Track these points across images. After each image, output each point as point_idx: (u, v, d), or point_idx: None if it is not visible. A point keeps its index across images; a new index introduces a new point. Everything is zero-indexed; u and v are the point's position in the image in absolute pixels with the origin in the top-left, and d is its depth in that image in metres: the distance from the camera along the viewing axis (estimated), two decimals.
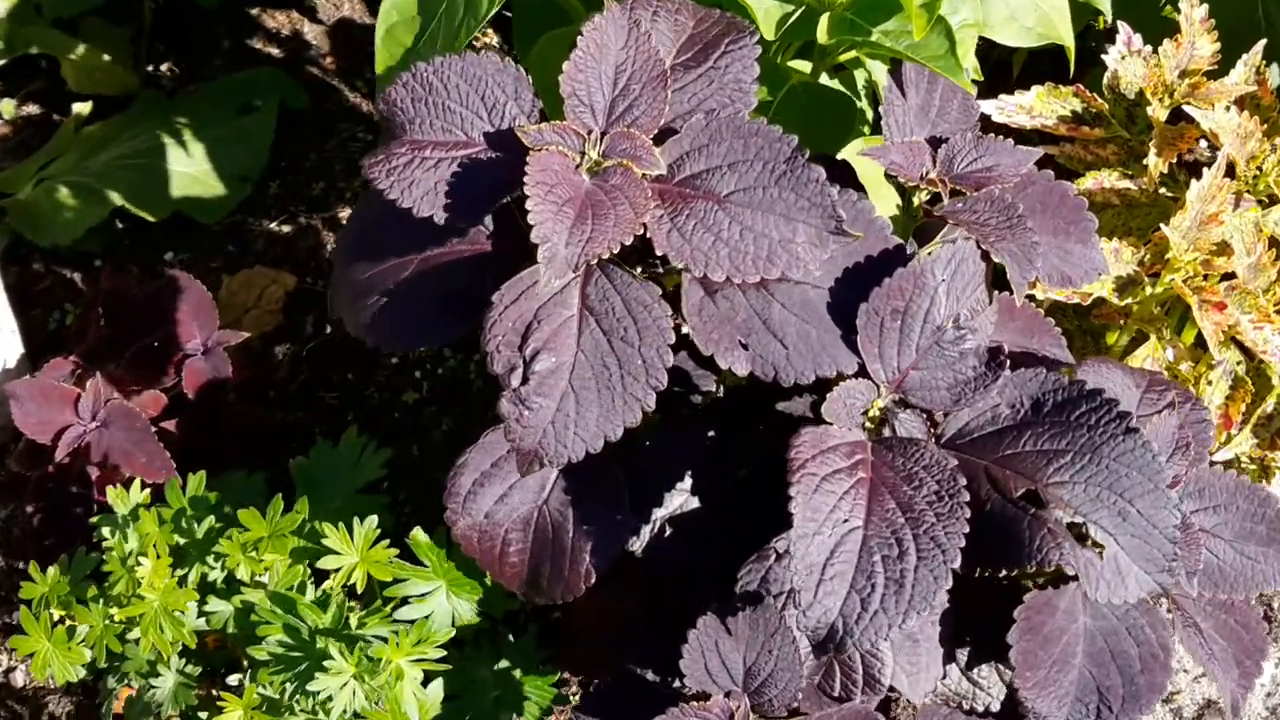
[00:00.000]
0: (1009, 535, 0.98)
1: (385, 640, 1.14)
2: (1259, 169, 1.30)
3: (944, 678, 1.13)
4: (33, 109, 1.97)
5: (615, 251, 0.97)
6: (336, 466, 1.33)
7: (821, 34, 1.13)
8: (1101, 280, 1.22)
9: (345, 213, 1.85)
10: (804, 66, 1.36)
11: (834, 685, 1.07)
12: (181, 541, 1.21)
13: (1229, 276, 1.27)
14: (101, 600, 1.21)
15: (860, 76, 1.46)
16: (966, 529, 0.96)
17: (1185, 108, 1.31)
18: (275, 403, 1.67)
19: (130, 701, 1.28)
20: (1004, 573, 0.98)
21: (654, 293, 1.02)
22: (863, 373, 1.04)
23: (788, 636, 1.04)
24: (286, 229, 1.84)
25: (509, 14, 1.47)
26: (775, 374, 1.04)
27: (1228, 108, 1.28)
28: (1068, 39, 1.35)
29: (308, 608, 1.14)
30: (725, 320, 1.04)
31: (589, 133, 1.03)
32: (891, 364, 1.03)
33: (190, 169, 1.85)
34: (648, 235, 1.00)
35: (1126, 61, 1.40)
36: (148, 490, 1.28)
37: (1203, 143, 1.38)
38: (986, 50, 1.39)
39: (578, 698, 1.41)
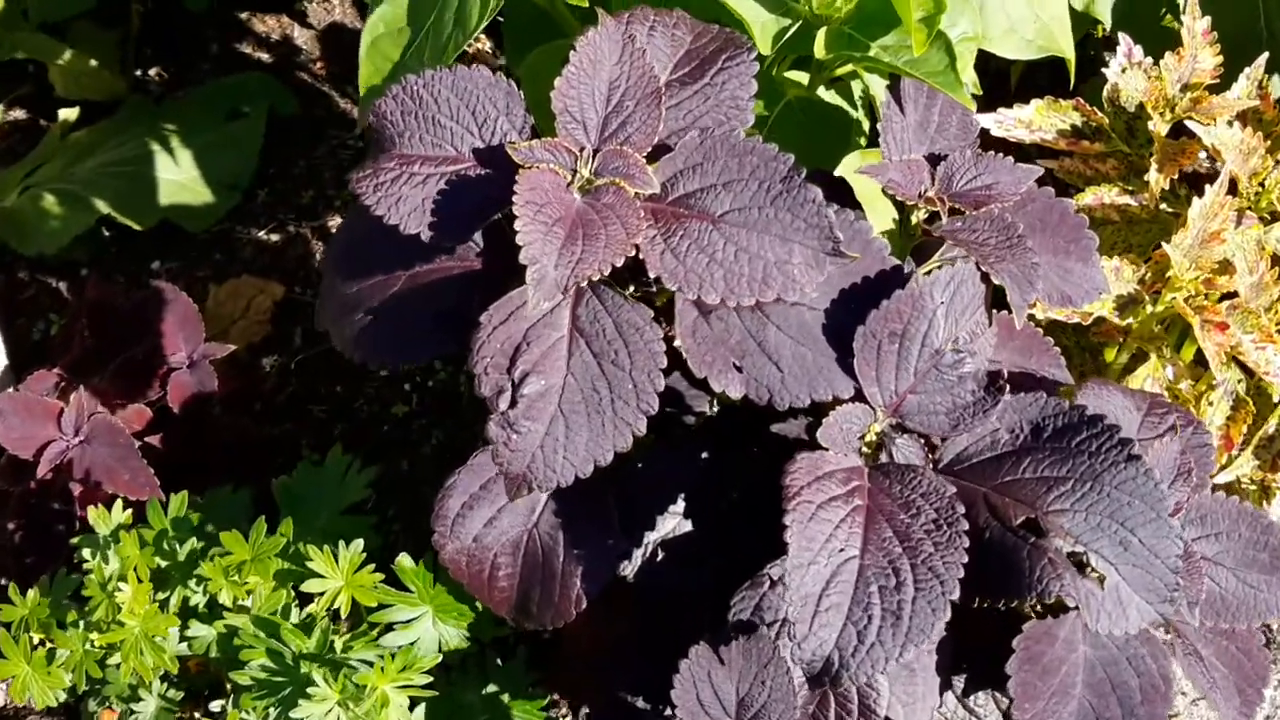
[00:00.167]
0: (1008, 565, 0.96)
1: (371, 666, 1.12)
2: (1261, 185, 1.28)
3: (940, 705, 1.11)
4: (19, 114, 1.94)
5: (606, 273, 0.95)
6: (322, 485, 1.31)
7: (819, 49, 1.11)
8: (1102, 299, 1.20)
9: (335, 221, 1.82)
10: (800, 77, 1.34)
11: (828, 716, 1.05)
12: (163, 564, 1.19)
13: (1229, 295, 1.25)
14: (82, 624, 1.19)
15: (857, 87, 1.44)
16: (965, 559, 0.94)
17: (1187, 123, 1.29)
18: (262, 415, 1.64)
19: None
20: (1003, 604, 0.96)
21: (646, 315, 1.00)
22: (859, 397, 1.02)
23: (781, 667, 1.01)
24: (275, 238, 1.81)
25: (501, 19, 1.45)
26: (770, 397, 1.01)
27: (1230, 123, 1.26)
28: (1068, 51, 1.32)
29: (291, 632, 1.12)
30: (719, 342, 1.02)
31: (581, 150, 1.00)
32: (889, 388, 1.01)
33: (178, 176, 1.83)
34: (640, 256, 0.98)
35: (1127, 74, 1.38)
36: (130, 511, 1.25)
37: (1201, 154, 1.36)
38: (983, 60, 1.37)
39: None
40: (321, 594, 1.16)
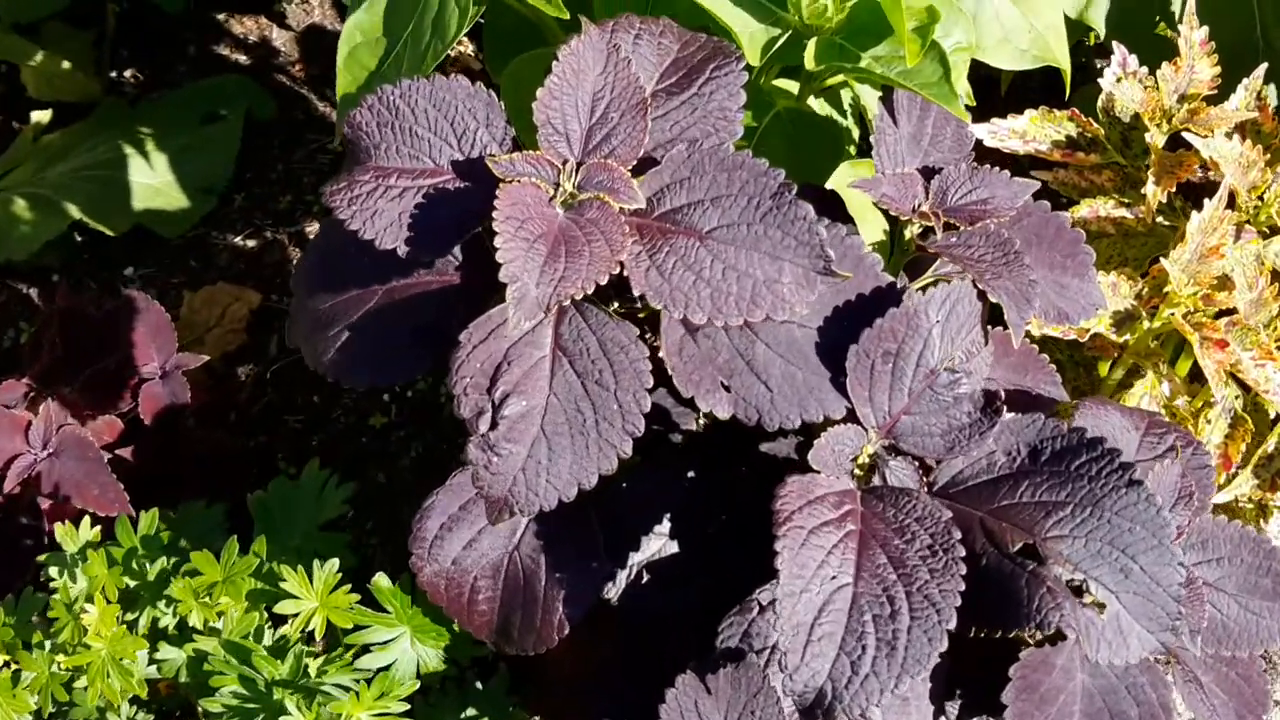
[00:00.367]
0: (1006, 593, 0.93)
1: (346, 691, 1.08)
2: (1260, 199, 1.26)
3: None
4: None
5: (589, 292, 0.91)
6: (297, 502, 1.27)
7: (809, 60, 1.08)
8: (1099, 315, 1.17)
9: (313, 227, 1.79)
10: (788, 86, 1.30)
11: None
12: (132, 584, 1.15)
13: (1227, 312, 1.22)
14: (48, 645, 1.15)
15: (846, 95, 1.41)
16: (962, 587, 0.91)
17: (1185, 135, 1.26)
18: (237, 426, 1.60)
19: None
20: (1000, 633, 0.93)
21: (631, 333, 0.96)
22: (851, 417, 0.99)
23: (771, 697, 0.98)
24: (252, 244, 1.78)
25: (483, 21, 1.42)
26: (759, 418, 0.98)
27: (1230, 135, 1.24)
28: (1064, 61, 1.30)
29: (264, 659, 1.08)
30: (707, 361, 0.98)
31: (564, 163, 0.97)
32: (882, 409, 0.98)
33: (152, 180, 1.79)
34: (624, 273, 0.95)
35: (1122, 84, 1.35)
36: (98, 528, 1.22)
37: (1197, 166, 1.33)
38: (973, 68, 1.34)
39: None
40: (296, 615, 1.12)
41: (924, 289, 1.06)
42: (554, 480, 0.97)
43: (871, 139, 1.08)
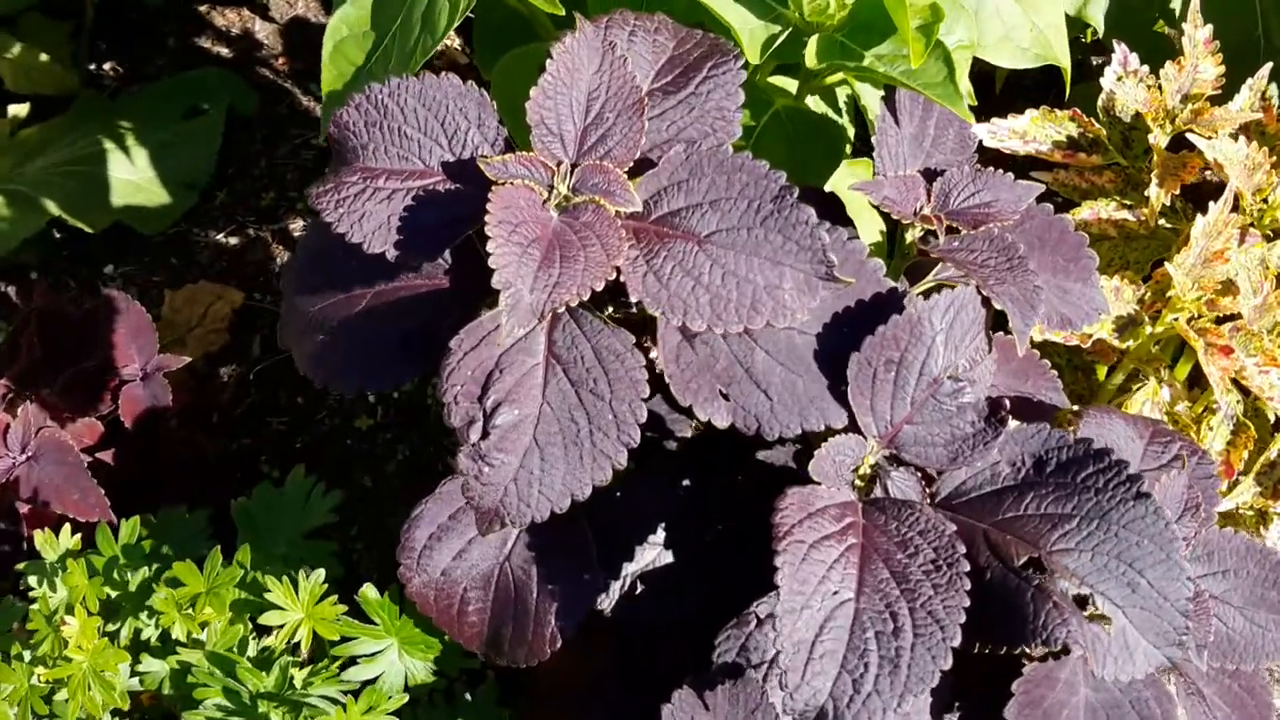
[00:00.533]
0: (1011, 608, 0.91)
1: (333, 704, 1.06)
2: (1264, 202, 1.24)
3: None
4: None
5: (585, 298, 0.89)
6: (282, 509, 1.24)
7: (810, 58, 1.05)
8: (1101, 320, 1.15)
9: (297, 224, 1.75)
10: (785, 84, 1.28)
11: None
12: (113, 594, 1.12)
13: (1230, 317, 1.20)
14: (27, 656, 1.12)
15: (842, 93, 1.38)
16: (967, 603, 0.88)
17: (1189, 136, 1.24)
18: (219, 428, 1.57)
19: None
20: (1005, 649, 0.91)
21: (627, 341, 0.94)
22: (851, 426, 0.96)
23: (770, 713, 0.96)
24: (234, 241, 1.74)
25: (472, 15, 1.38)
26: (759, 427, 0.96)
27: (1235, 136, 1.21)
28: (1064, 60, 1.27)
29: (248, 671, 1.05)
30: (705, 368, 0.96)
31: (558, 165, 0.94)
32: (884, 418, 0.96)
33: (133, 176, 1.75)
34: (620, 278, 0.92)
35: (1123, 83, 1.33)
36: (78, 535, 1.19)
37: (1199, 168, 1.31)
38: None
39: None
40: (281, 626, 1.10)
41: (925, 294, 1.04)
42: (546, 491, 0.94)
43: (874, 139, 1.05)
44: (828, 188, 1.10)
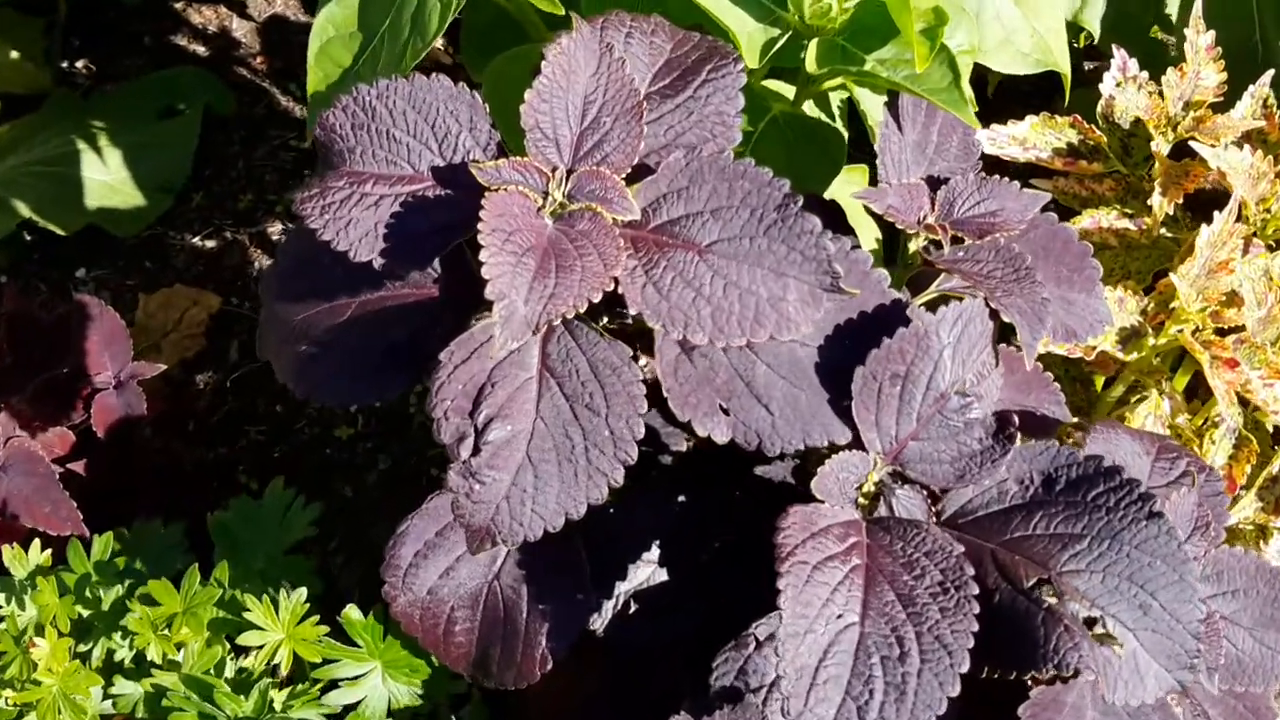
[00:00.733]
0: (1020, 632, 0.88)
1: None
2: (1268, 211, 1.21)
3: None
4: None
5: (582, 310, 0.85)
6: (260, 523, 1.20)
7: (810, 62, 1.02)
8: (1104, 332, 1.12)
9: (275, 227, 1.71)
10: (780, 87, 1.25)
11: None
12: (85, 613, 1.08)
13: (1232, 330, 1.18)
14: None
15: (835, 98, 1.35)
16: (976, 627, 0.86)
17: (1192, 144, 1.21)
18: (195, 437, 1.53)
19: None
20: (1014, 675, 0.88)
21: (624, 354, 0.90)
22: (855, 443, 0.93)
23: None
24: (211, 244, 1.70)
25: (459, 16, 1.35)
26: (759, 443, 0.93)
27: (1240, 145, 1.19)
28: (1064, 65, 1.25)
29: (226, 695, 1.01)
30: (704, 382, 0.93)
31: (553, 171, 0.91)
32: (889, 434, 0.93)
33: (106, 177, 1.71)
34: (618, 289, 0.88)
35: (1122, 89, 1.31)
36: (49, 551, 1.14)
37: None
38: None
39: None
40: (260, 647, 1.06)
41: (927, 305, 1.01)
42: (540, 509, 0.91)
43: (876, 146, 1.02)
44: (829, 196, 1.07)
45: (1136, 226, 1.25)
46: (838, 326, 0.94)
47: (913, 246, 1.03)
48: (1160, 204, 1.20)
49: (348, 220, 0.91)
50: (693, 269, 0.88)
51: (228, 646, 1.07)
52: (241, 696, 1.03)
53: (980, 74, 1.64)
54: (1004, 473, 0.93)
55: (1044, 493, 0.92)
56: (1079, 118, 1.28)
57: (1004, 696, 0.99)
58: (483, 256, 0.84)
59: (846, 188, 1.26)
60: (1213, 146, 1.20)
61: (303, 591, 1.06)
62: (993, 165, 1.19)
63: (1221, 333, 1.18)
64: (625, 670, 1.06)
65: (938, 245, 1.01)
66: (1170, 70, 1.25)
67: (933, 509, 0.94)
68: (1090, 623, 0.90)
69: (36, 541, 1.16)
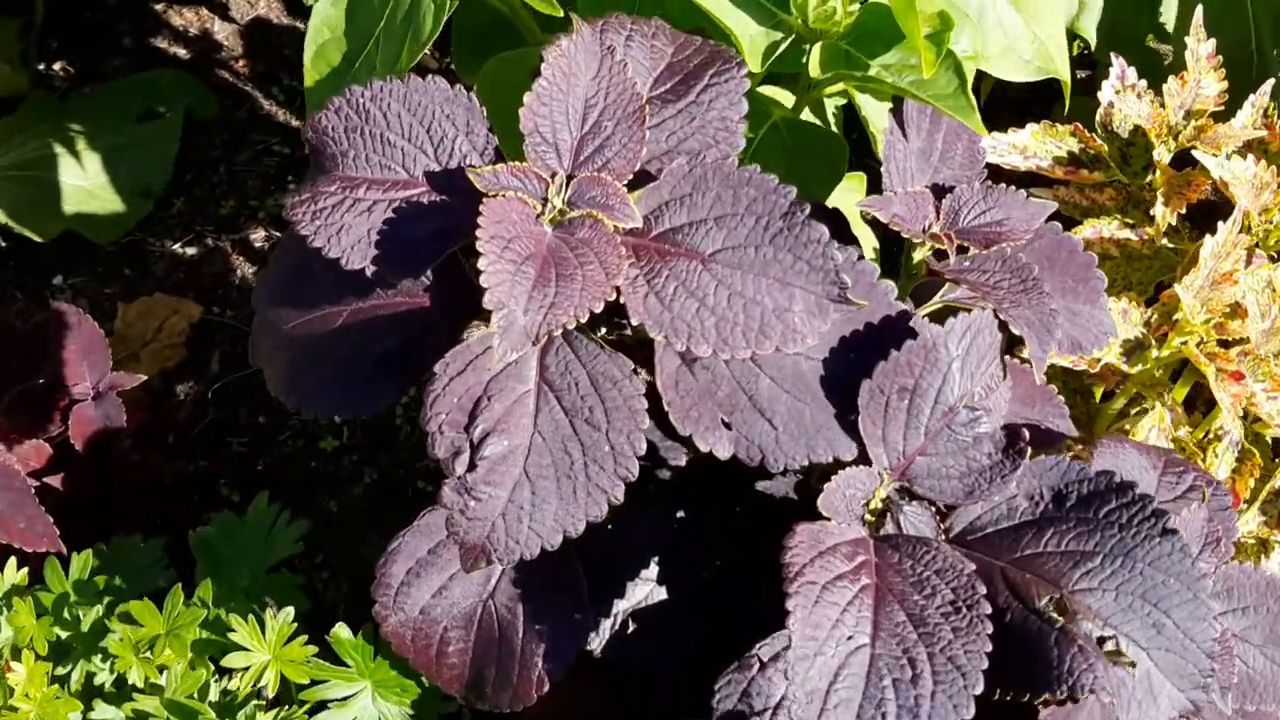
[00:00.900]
0: (1033, 652, 0.86)
1: None
2: (1270, 222, 1.20)
3: None
4: None
5: (583, 320, 0.83)
6: (244, 539, 1.17)
7: (813, 67, 1.00)
8: (1109, 344, 1.11)
9: (259, 234, 1.68)
10: (777, 94, 1.23)
11: None
12: (64, 635, 1.04)
13: (1235, 342, 1.16)
14: None
15: (830, 104, 1.33)
16: (989, 648, 0.83)
17: (1195, 154, 1.20)
18: (176, 450, 1.49)
19: None
20: (1027, 697, 0.86)
21: (625, 367, 0.88)
22: (861, 458, 0.91)
23: None
24: (191, 251, 1.66)
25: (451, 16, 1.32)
26: (763, 458, 0.90)
27: (1243, 155, 1.18)
28: (1064, 72, 1.23)
29: None
30: (706, 395, 0.90)
31: (553, 176, 0.88)
32: (896, 449, 0.90)
33: (84, 182, 1.67)
34: (619, 300, 0.86)
35: (1121, 97, 1.29)
36: (25, 569, 1.11)
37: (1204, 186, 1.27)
38: None
39: None
40: (246, 668, 1.02)
41: (931, 316, 0.99)
42: (537, 527, 0.88)
43: (881, 153, 1.00)
44: (832, 205, 1.05)
45: (1138, 237, 1.23)
46: (843, 338, 0.92)
47: (917, 256, 1.01)
48: (1163, 214, 1.19)
49: (340, 226, 0.88)
50: (696, 278, 0.86)
51: (212, 668, 1.04)
52: None
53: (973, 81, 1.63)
54: (1014, 488, 0.90)
55: (1055, 509, 0.90)
56: (1079, 126, 1.26)
57: (1011, 718, 0.97)
58: (481, 264, 0.81)
59: (842, 195, 1.24)
60: (1214, 156, 1.18)
61: (290, 611, 1.03)
62: (991, 174, 1.17)
63: (1224, 345, 1.17)
64: (623, 690, 1.03)
65: (943, 255, 0.99)
66: (1171, 79, 1.24)
67: (941, 526, 0.92)
68: (1100, 641, 0.89)
69: (12, 560, 1.12)
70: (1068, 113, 1.33)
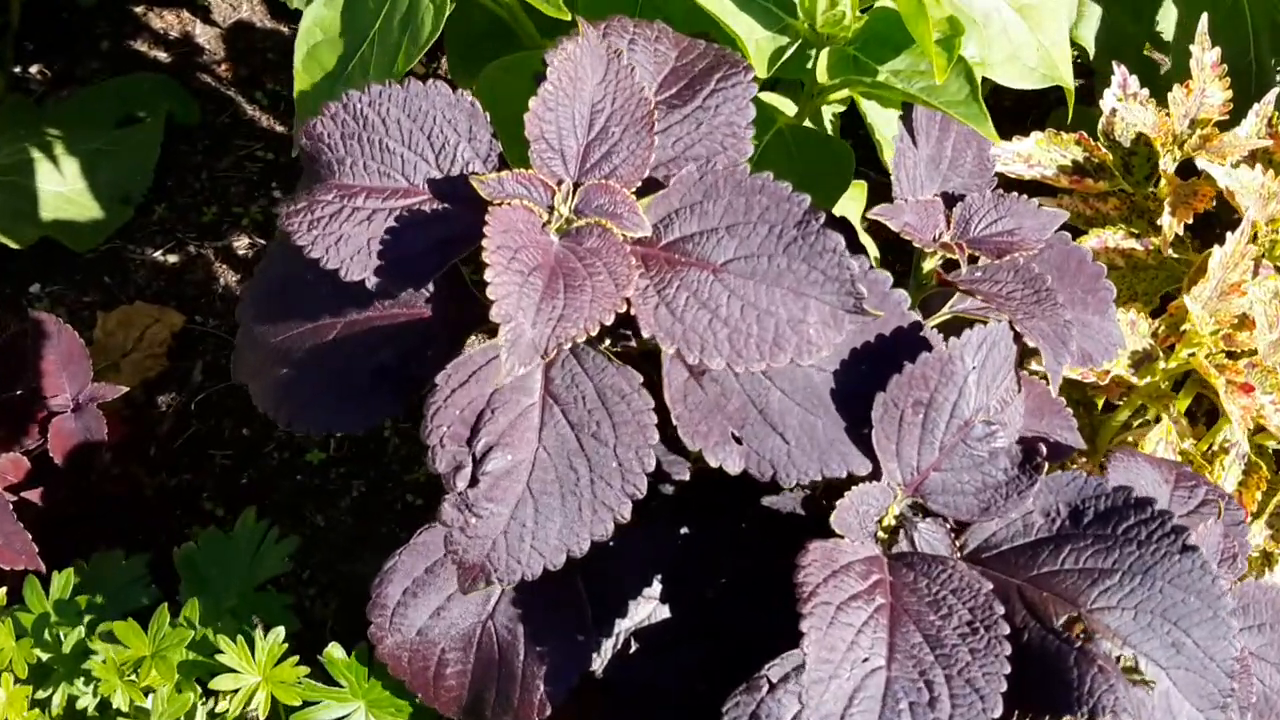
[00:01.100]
0: (1052, 673, 0.83)
1: None
2: (1277, 232, 1.18)
3: None
4: None
5: (593, 333, 0.80)
6: (231, 557, 1.13)
7: (820, 73, 0.97)
8: (1118, 356, 1.09)
9: (242, 241, 1.64)
10: (777, 101, 1.20)
11: None
12: (44, 656, 1.01)
13: (1244, 354, 1.15)
14: None
15: (829, 111, 1.31)
16: (1008, 669, 0.81)
17: (1201, 163, 1.18)
18: (158, 463, 1.46)
19: None
20: (1046, 719, 0.83)
21: (633, 380, 0.85)
22: (874, 473, 0.89)
23: None
24: (173, 259, 1.62)
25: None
26: (774, 473, 0.88)
27: (1251, 164, 1.16)
28: (1068, 80, 1.21)
29: None
30: (715, 408, 0.88)
31: (559, 184, 0.85)
32: (910, 464, 0.88)
33: (62, 188, 1.63)
34: (628, 311, 0.83)
35: (1123, 105, 1.28)
36: (3, 589, 1.07)
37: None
38: None
39: None
40: (235, 691, 0.99)
41: (939, 327, 0.97)
42: (540, 546, 0.85)
43: (890, 161, 0.98)
44: (840, 213, 1.03)
45: (1143, 247, 1.22)
46: (854, 350, 0.90)
47: (927, 266, 0.99)
48: (1170, 224, 1.17)
49: (338, 236, 0.85)
50: (708, 289, 0.83)
51: (199, 691, 1.00)
52: None
53: None
54: (1029, 504, 0.88)
55: (1071, 525, 0.88)
56: (1084, 135, 1.25)
57: None
58: (488, 276, 0.78)
59: (844, 203, 1.22)
60: (1220, 165, 1.17)
61: (280, 631, 1.00)
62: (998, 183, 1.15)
63: (1231, 356, 1.15)
64: (626, 710, 1.01)
65: (953, 264, 0.97)
66: (1177, 87, 1.22)
67: (955, 543, 0.89)
68: (1115, 660, 0.86)
69: None
70: (1055, 118, 1.32)
